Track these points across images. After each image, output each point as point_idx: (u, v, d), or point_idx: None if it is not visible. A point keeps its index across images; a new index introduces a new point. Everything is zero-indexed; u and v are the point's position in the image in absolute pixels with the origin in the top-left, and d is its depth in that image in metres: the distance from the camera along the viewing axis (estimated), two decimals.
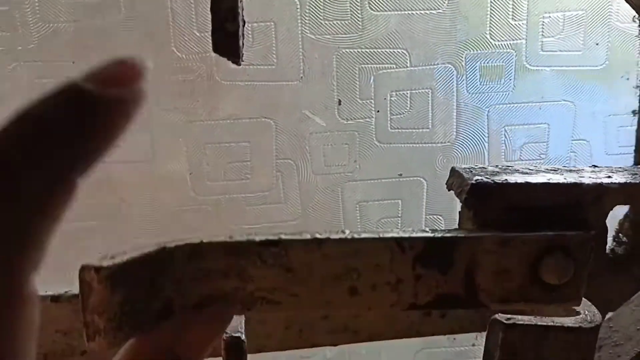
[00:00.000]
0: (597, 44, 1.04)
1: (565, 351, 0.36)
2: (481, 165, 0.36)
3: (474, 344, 1.07)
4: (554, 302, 0.32)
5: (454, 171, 0.36)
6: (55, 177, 0.18)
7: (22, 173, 0.18)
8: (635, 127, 0.62)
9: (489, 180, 0.33)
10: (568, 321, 0.36)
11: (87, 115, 0.18)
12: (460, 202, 0.34)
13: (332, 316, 0.67)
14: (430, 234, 0.31)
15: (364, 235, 0.30)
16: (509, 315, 0.36)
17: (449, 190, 0.36)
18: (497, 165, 0.36)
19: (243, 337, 0.37)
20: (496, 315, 0.36)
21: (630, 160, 0.61)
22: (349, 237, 0.29)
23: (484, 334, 0.37)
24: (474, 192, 0.33)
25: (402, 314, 0.64)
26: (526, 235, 0.31)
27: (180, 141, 0.97)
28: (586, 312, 0.36)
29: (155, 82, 0.94)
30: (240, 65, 0.40)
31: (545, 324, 0.36)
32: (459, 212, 0.35)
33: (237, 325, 0.38)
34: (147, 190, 0.98)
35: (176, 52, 0.94)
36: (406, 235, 0.30)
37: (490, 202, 0.33)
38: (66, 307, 0.60)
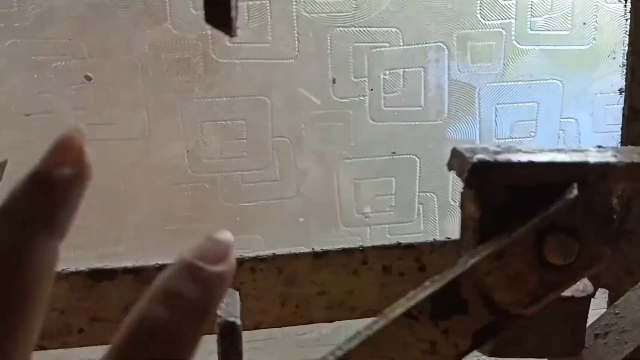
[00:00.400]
0: (584, 24, 1.05)
1: (557, 320, 0.35)
2: (483, 145, 0.34)
3: None
4: (581, 272, 0.31)
5: (454, 151, 0.33)
6: (42, 247, 0.21)
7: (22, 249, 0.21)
8: (622, 106, 0.63)
9: (491, 159, 0.31)
10: None
11: (52, 193, 0.21)
12: (462, 182, 0.32)
13: (328, 292, 0.67)
14: (430, 289, 0.30)
15: (376, 328, 0.29)
16: None
17: (449, 170, 0.34)
18: (499, 145, 0.34)
19: (238, 321, 0.36)
20: None
21: (618, 137, 0.63)
22: (364, 337, 0.29)
23: None
24: (475, 170, 0.31)
25: (395, 288, 0.64)
26: (514, 236, 0.30)
27: (176, 119, 0.97)
28: (578, 282, 0.34)
29: (151, 60, 0.94)
30: (232, 37, 0.40)
31: None
32: (461, 193, 0.33)
33: (232, 310, 0.37)
34: (144, 167, 0.98)
35: (172, 29, 0.94)
36: (411, 303, 0.30)
37: (492, 181, 0.31)
38: (63, 285, 0.58)
